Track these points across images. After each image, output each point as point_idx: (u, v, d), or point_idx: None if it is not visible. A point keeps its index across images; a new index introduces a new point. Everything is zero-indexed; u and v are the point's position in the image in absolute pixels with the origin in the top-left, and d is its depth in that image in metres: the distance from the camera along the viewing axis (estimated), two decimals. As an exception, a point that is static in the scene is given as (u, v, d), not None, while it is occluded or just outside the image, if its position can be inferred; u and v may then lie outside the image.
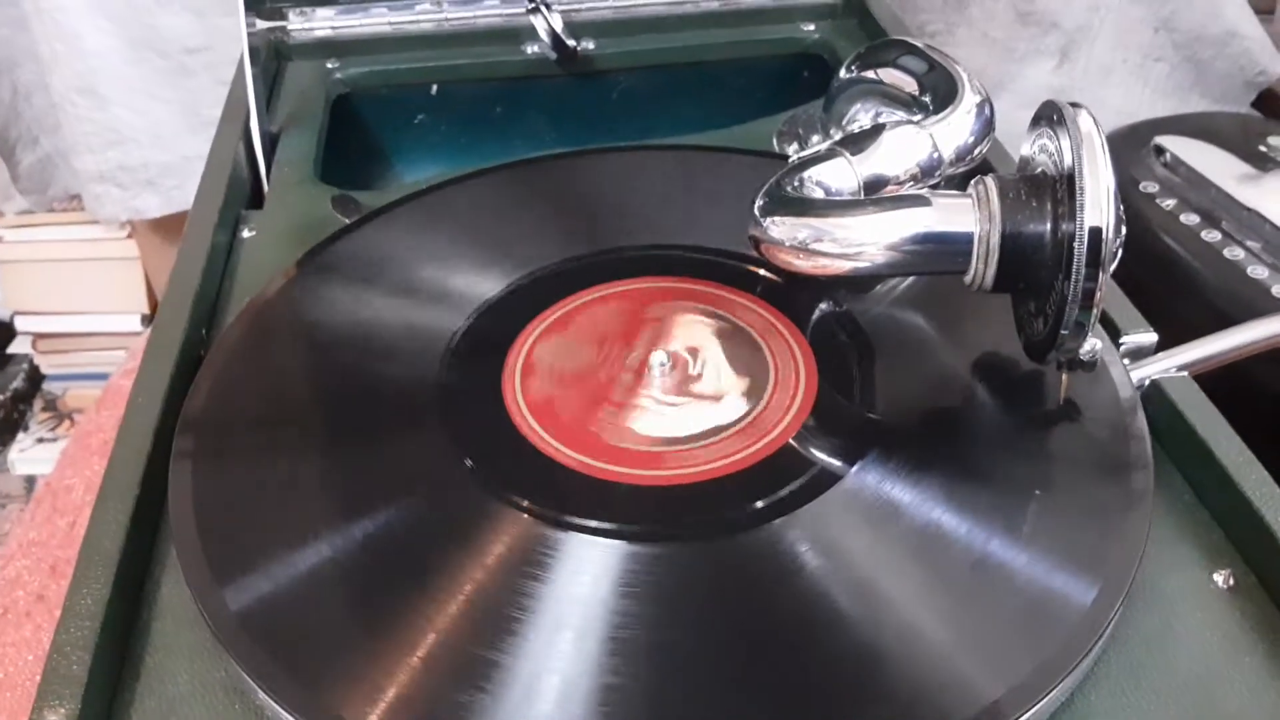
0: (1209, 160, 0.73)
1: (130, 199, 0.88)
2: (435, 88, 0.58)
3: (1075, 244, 0.29)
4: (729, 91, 0.60)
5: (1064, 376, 0.34)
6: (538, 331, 0.38)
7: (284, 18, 0.58)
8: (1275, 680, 0.28)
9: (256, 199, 0.49)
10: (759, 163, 0.46)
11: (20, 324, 1.14)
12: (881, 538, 0.30)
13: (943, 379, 0.36)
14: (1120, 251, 0.31)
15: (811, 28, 0.60)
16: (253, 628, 0.28)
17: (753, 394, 0.35)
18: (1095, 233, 0.29)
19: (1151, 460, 0.32)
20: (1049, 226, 0.31)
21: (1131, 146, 0.76)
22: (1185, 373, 0.36)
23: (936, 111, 0.41)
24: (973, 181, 0.33)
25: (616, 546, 0.30)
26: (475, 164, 0.47)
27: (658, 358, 0.35)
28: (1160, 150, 0.74)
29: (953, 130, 0.40)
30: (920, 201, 0.33)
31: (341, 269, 0.41)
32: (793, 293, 0.39)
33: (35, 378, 1.20)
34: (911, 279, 0.40)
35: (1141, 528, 0.30)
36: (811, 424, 0.34)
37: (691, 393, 0.35)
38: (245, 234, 0.45)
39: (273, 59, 0.57)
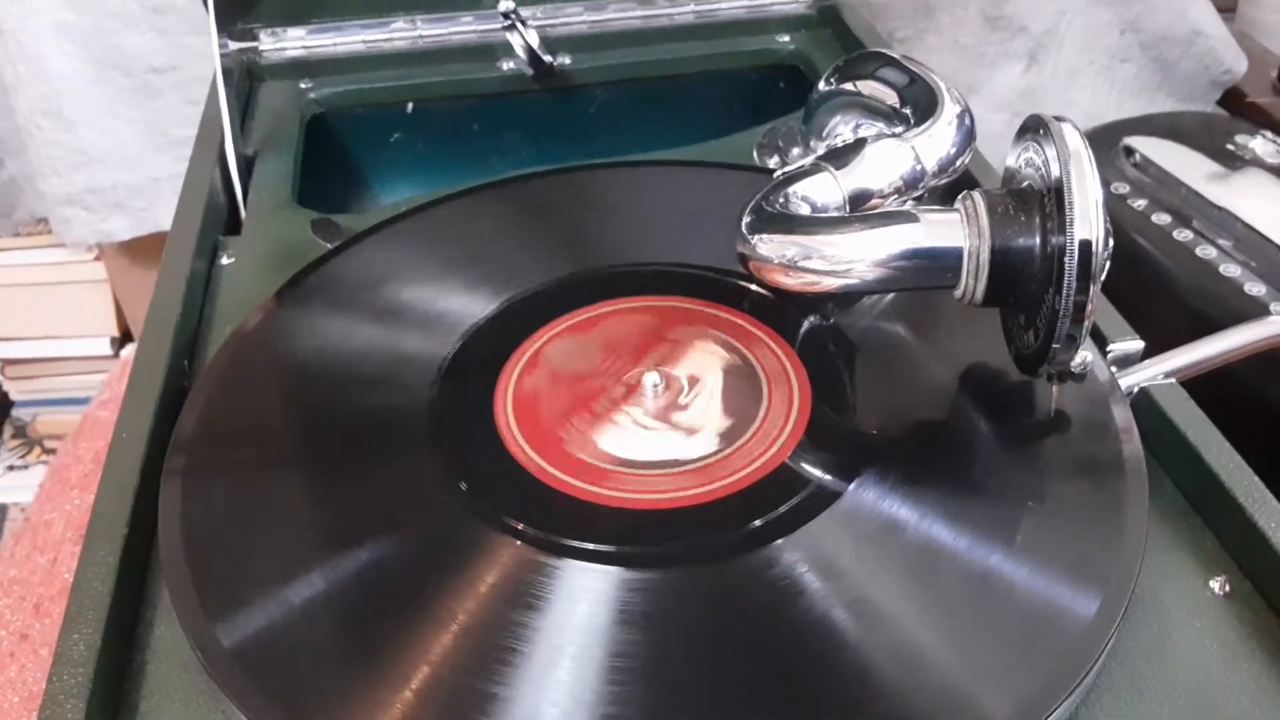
0: (1178, 160, 0.74)
1: (99, 222, 0.87)
2: (411, 106, 0.57)
3: (1066, 258, 0.30)
4: (706, 103, 0.60)
5: (1054, 388, 0.35)
6: (552, 333, 0.38)
7: (255, 38, 0.57)
8: (1275, 686, 0.29)
9: (234, 224, 0.48)
10: (754, 178, 0.46)
11: (-14, 350, 1.13)
12: (880, 556, 0.30)
13: (933, 394, 0.36)
14: (1109, 263, 0.31)
15: (786, 39, 0.60)
16: (248, 666, 0.28)
17: (729, 436, 0.34)
18: (1086, 246, 0.30)
19: (1145, 470, 0.32)
20: (1038, 240, 0.31)
21: (1101, 148, 0.77)
22: (1173, 379, 0.36)
23: (917, 123, 0.41)
24: (960, 197, 0.33)
25: (613, 572, 0.30)
26: (453, 182, 0.47)
27: (652, 379, 0.35)
28: (1130, 151, 0.75)
29: (934, 142, 0.40)
30: (908, 218, 0.33)
31: (325, 296, 0.40)
32: (792, 311, 0.39)
33: (4, 404, 1.18)
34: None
35: (1139, 538, 0.30)
36: (806, 446, 0.34)
37: (670, 420, 0.35)
38: (224, 261, 0.45)
39: (245, 80, 0.57)
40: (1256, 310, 0.61)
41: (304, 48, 0.57)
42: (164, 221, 0.89)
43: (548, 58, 0.56)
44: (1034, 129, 0.33)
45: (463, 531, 0.31)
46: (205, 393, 0.36)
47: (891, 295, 0.40)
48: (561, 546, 0.30)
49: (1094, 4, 0.85)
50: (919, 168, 0.39)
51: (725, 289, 0.40)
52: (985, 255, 0.32)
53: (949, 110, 0.41)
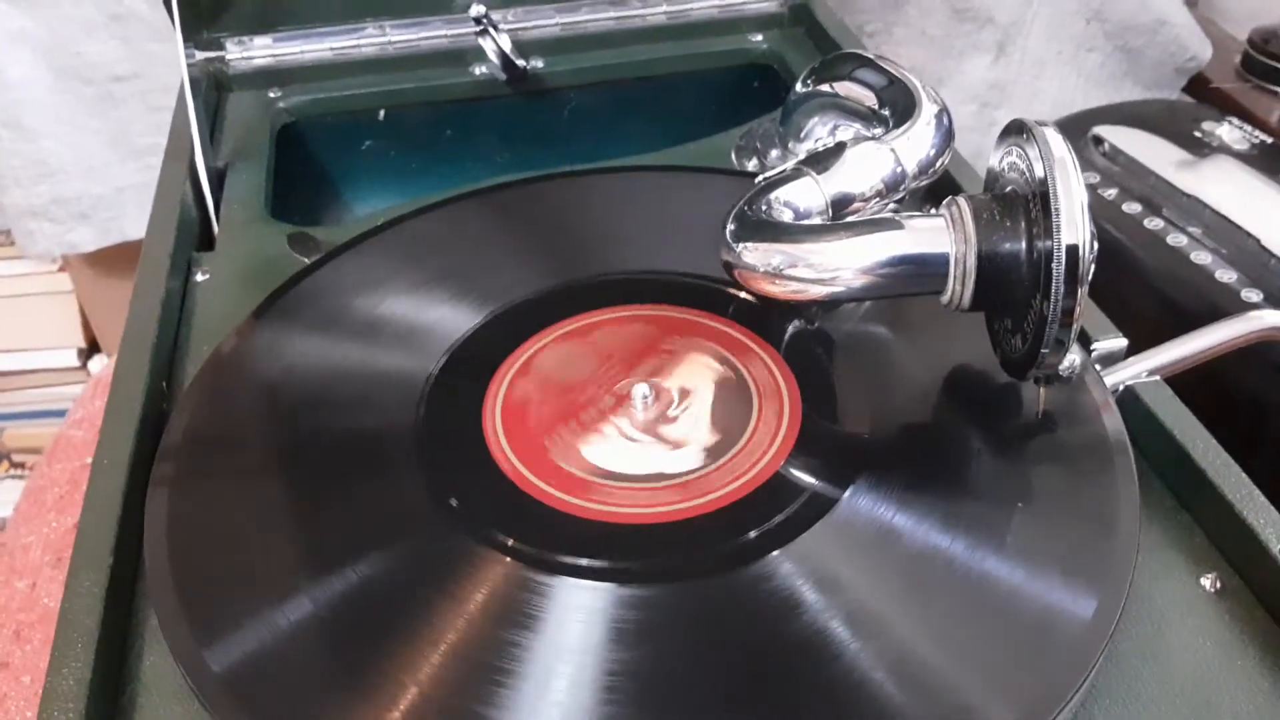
0: (1146, 148, 0.74)
1: (64, 233, 0.85)
2: (382, 113, 0.57)
3: (1054, 265, 0.30)
4: (680, 104, 0.60)
5: (1041, 390, 0.35)
6: (543, 343, 0.38)
7: (222, 47, 0.56)
8: (1269, 683, 0.29)
9: (206, 239, 0.48)
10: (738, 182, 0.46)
11: (-49, 364, 1.11)
12: (877, 564, 0.30)
13: (921, 400, 0.36)
14: (1094, 266, 0.32)
15: (759, 38, 0.60)
16: (238, 692, 0.27)
17: (715, 452, 0.34)
18: (1073, 251, 0.30)
19: (1135, 469, 0.32)
20: (1024, 245, 0.31)
21: (1070, 137, 0.77)
22: (1157, 376, 0.36)
23: (896, 124, 0.41)
24: (945, 203, 0.33)
25: (605, 589, 0.29)
26: (427, 189, 0.47)
27: (641, 390, 0.35)
28: (1099, 140, 0.75)
29: (914, 143, 0.40)
30: (894, 225, 0.33)
31: (306, 313, 0.40)
32: (780, 319, 0.39)
33: (-31, 418, 1.16)
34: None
35: (1132, 537, 0.30)
36: (797, 458, 0.34)
37: (657, 433, 0.35)
38: (199, 278, 0.44)
39: (213, 90, 0.56)
40: (1228, 297, 0.62)
41: (272, 56, 0.57)
42: (130, 231, 0.87)
43: (520, 62, 0.55)
44: (1016, 132, 0.33)
45: (448, 548, 0.31)
46: (187, 416, 0.36)
47: (878, 300, 0.39)
48: (552, 563, 0.30)
49: (1060, -6, 0.85)
50: (899, 170, 0.39)
51: (714, 296, 0.40)
52: (972, 261, 0.32)
53: (927, 110, 0.41)
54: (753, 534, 0.31)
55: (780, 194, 0.37)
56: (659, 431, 0.35)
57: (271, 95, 0.55)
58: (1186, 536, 0.33)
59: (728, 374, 0.37)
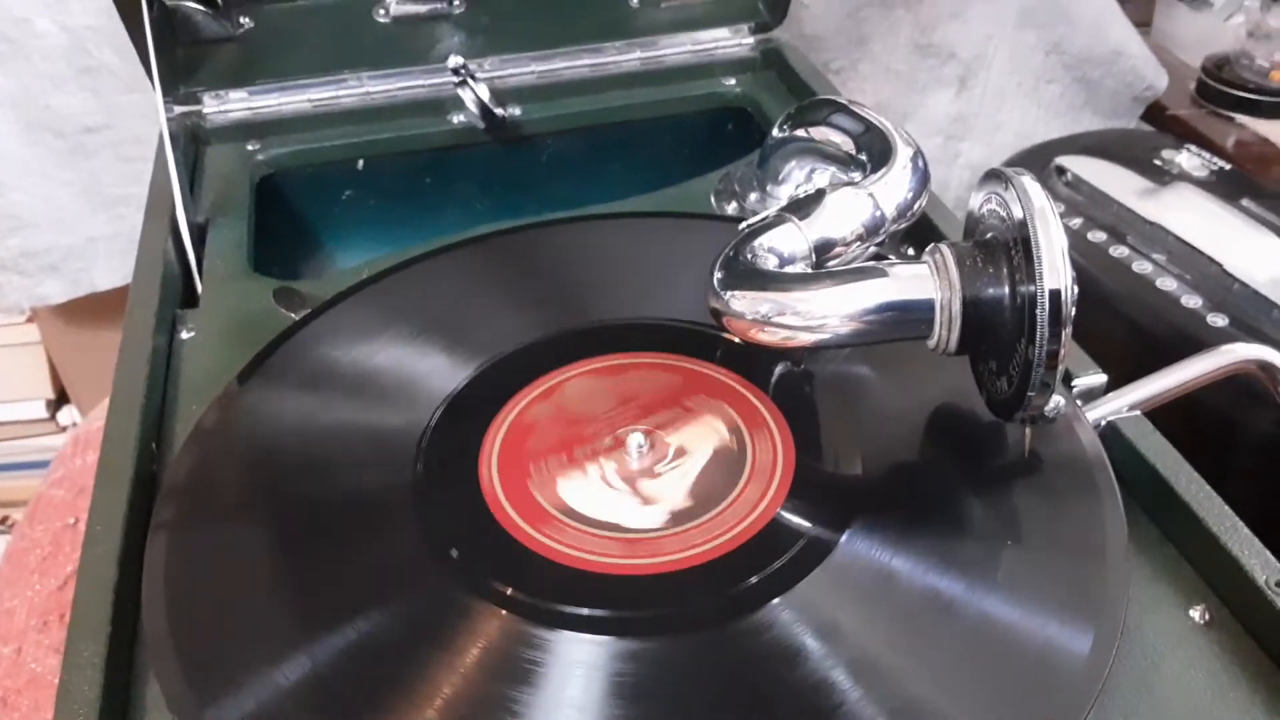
0: (1108, 177, 0.76)
1: (34, 286, 0.85)
2: (361, 163, 0.57)
3: (1038, 310, 0.30)
4: (657, 148, 0.60)
5: (1027, 430, 0.36)
6: (572, 374, 0.39)
7: (199, 101, 0.56)
8: (1260, 712, 0.30)
9: (189, 295, 0.48)
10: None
11: (-82, 417, 1.09)
12: (875, 609, 0.31)
13: (908, 441, 0.37)
14: (1075, 309, 0.32)
15: (733, 82, 0.61)
16: None
17: (679, 518, 0.34)
18: (1055, 295, 0.30)
19: (1122, 505, 0.33)
20: (1007, 291, 0.32)
21: (1033, 168, 0.79)
22: (1137, 411, 0.37)
23: (873, 168, 0.42)
24: (928, 250, 0.34)
25: (606, 641, 0.30)
26: (408, 237, 0.47)
27: (636, 440, 0.35)
28: (1061, 170, 0.77)
29: (891, 187, 0.41)
30: (878, 273, 0.34)
31: (295, 370, 0.40)
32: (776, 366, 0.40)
33: (-63, 472, 1.14)
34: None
35: (1124, 573, 0.31)
36: (791, 506, 0.34)
37: (635, 486, 0.35)
38: (184, 335, 0.44)
39: (190, 144, 0.56)
40: (1194, 322, 0.63)
41: (249, 109, 0.57)
42: (100, 282, 0.87)
43: (499, 110, 0.56)
44: (995, 179, 0.33)
45: (445, 603, 0.31)
46: (180, 480, 0.35)
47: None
48: (550, 615, 0.30)
49: (1019, 28, 0.87)
50: (879, 214, 0.40)
51: (707, 342, 0.40)
52: (957, 307, 0.33)
53: (902, 154, 0.42)
54: (753, 580, 0.31)
55: (764, 240, 0.38)
56: (637, 483, 0.35)
57: (250, 148, 0.56)
58: (1173, 569, 0.34)
59: (730, 445, 0.36)
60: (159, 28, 0.50)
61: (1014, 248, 0.32)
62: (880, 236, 0.40)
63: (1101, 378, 0.39)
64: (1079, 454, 0.35)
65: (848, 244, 0.39)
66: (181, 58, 0.55)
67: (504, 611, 0.31)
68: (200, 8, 0.55)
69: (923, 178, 0.42)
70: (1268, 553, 0.32)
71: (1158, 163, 0.77)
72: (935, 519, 0.33)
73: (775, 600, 0.31)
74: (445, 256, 0.45)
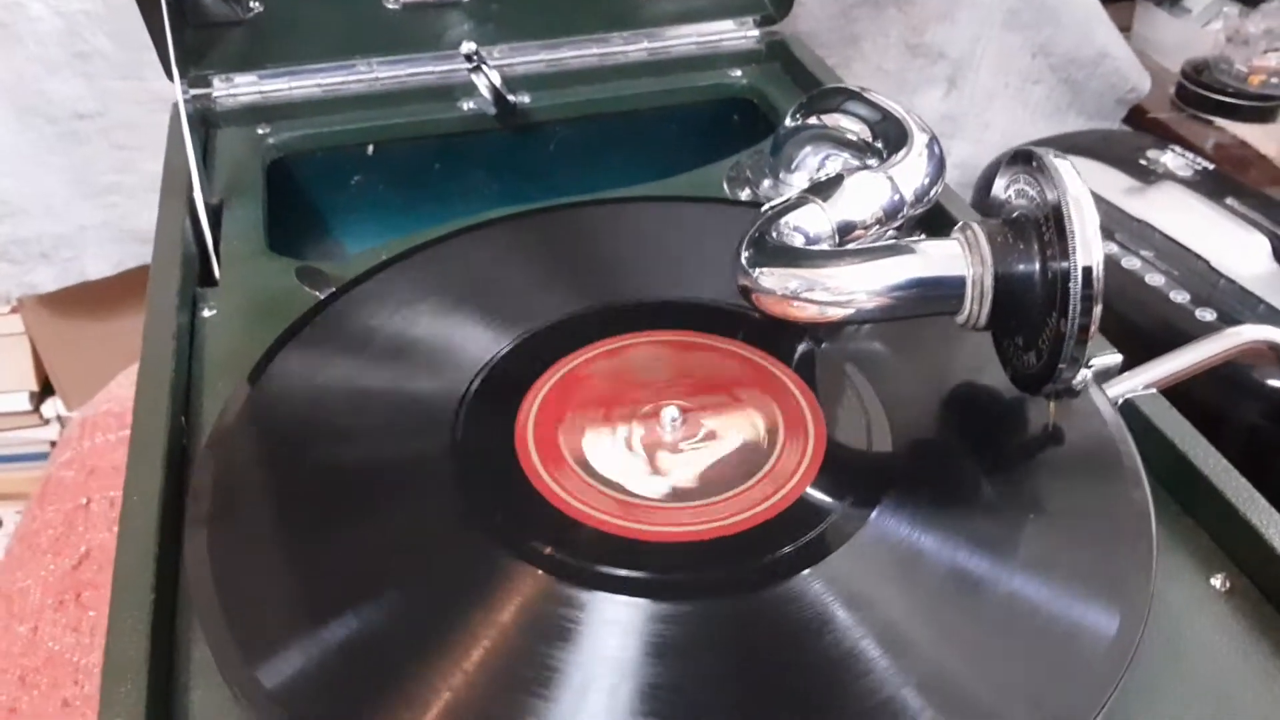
0: (1096, 176, 0.78)
1: (23, 274, 0.84)
2: (371, 148, 0.57)
3: (1071, 284, 0.31)
4: (663, 138, 0.61)
5: (1051, 404, 0.36)
6: (643, 340, 0.40)
7: (209, 85, 0.56)
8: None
9: (205, 275, 0.48)
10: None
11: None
12: (905, 584, 0.31)
13: (932, 418, 0.38)
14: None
15: (739, 73, 0.62)
16: (290, 706, 0.28)
17: (678, 495, 0.34)
18: (1088, 271, 0.31)
19: (1145, 478, 0.34)
20: (1038, 266, 0.33)
21: (1022, 166, 0.80)
22: (1154, 389, 0.38)
23: (889, 154, 0.43)
24: (958, 227, 0.35)
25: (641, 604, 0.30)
26: (417, 222, 0.47)
27: (671, 413, 0.36)
28: (1051, 169, 0.78)
29: (909, 171, 0.42)
30: (907, 250, 0.35)
31: (329, 343, 0.40)
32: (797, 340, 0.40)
33: (-84, 464, 1.12)
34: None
35: (1149, 545, 0.32)
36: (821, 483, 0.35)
37: (653, 455, 0.36)
38: (205, 313, 0.44)
39: (200, 128, 0.56)
40: (1182, 316, 0.65)
41: (259, 93, 0.57)
42: (91, 270, 0.86)
43: (511, 97, 0.56)
44: (1025, 161, 0.34)
45: (483, 564, 0.32)
46: (218, 451, 0.36)
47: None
48: (589, 576, 0.31)
49: (1006, 29, 0.89)
50: (898, 197, 0.41)
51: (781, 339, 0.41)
52: (989, 282, 0.34)
53: (919, 140, 0.43)
54: (787, 549, 0.32)
55: (790, 219, 0.39)
56: (655, 454, 0.36)
57: (260, 131, 0.56)
58: (1192, 539, 0.35)
59: (760, 442, 0.36)
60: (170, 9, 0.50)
61: (1045, 225, 0.33)
62: (899, 220, 0.41)
63: (1117, 358, 0.40)
64: (1101, 431, 0.36)
65: (867, 227, 0.40)
66: (191, 41, 0.55)
67: (535, 569, 0.31)
68: (211, -9, 0.55)
69: (939, 163, 0.43)
70: (1286, 522, 0.33)
71: (1143, 162, 0.79)
72: (962, 496, 0.34)
73: (805, 571, 0.31)
74: (494, 229, 0.46)
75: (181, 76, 0.52)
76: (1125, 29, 1.04)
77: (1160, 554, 0.34)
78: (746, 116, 0.61)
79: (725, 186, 0.52)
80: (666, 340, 0.41)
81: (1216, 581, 0.33)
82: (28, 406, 1.04)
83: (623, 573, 0.31)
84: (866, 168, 0.42)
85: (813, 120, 0.49)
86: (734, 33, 0.63)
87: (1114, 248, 0.71)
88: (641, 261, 0.45)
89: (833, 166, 0.49)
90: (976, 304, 0.34)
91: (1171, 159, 0.79)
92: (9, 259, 0.83)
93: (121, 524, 0.33)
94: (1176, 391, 0.40)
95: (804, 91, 0.58)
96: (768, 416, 0.37)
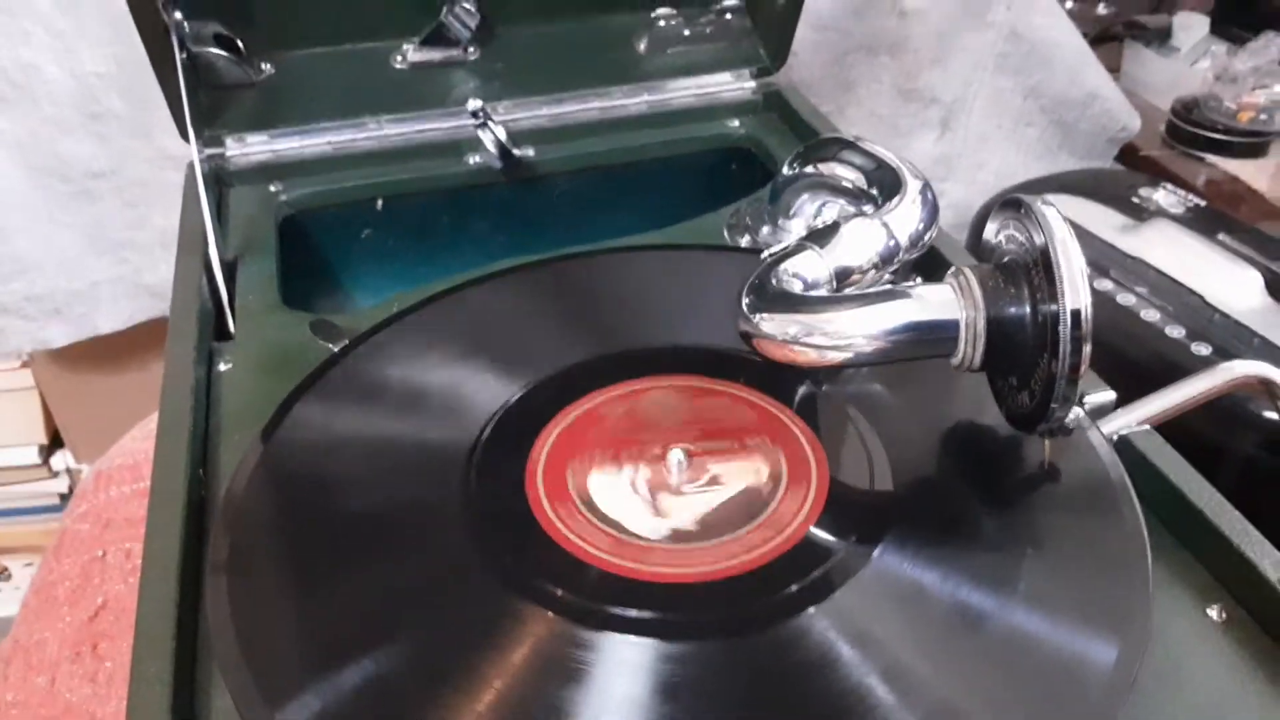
0: (1089, 214, 0.79)
1: (37, 330, 0.85)
2: (380, 203, 0.59)
3: (1060, 327, 0.32)
4: (664, 188, 0.63)
5: (1045, 442, 0.37)
6: (661, 385, 0.41)
7: (221, 144, 0.58)
8: (1278, 706, 0.31)
9: (221, 330, 0.49)
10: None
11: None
12: (909, 619, 0.32)
13: (930, 456, 0.39)
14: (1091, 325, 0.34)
15: (736, 123, 0.63)
16: None
17: (676, 537, 0.35)
18: (1076, 314, 0.33)
19: (1141, 514, 0.35)
20: (1029, 310, 0.34)
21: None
22: (1147, 426, 0.39)
23: (885, 200, 0.44)
24: (950, 272, 0.36)
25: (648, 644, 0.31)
26: (426, 274, 0.49)
27: (677, 456, 0.37)
28: (1044, 209, 0.80)
29: (903, 218, 0.43)
30: (902, 295, 0.36)
31: (342, 395, 0.41)
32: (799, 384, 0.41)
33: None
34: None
35: (1145, 577, 0.33)
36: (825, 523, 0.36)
37: (654, 500, 0.37)
38: (222, 367, 0.45)
39: (214, 186, 0.57)
40: (1178, 351, 0.66)
41: (270, 151, 0.58)
42: (103, 325, 0.87)
43: (517, 151, 0.58)
44: (1014, 208, 0.36)
45: (497, 607, 0.32)
46: (236, 501, 0.37)
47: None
48: (599, 616, 0.32)
49: (997, 73, 0.91)
50: (893, 243, 0.42)
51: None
52: (981, 325, 0.35)
53: (912, 187, 0.45)
54: (793, 588, 0.33)
55: (788, 266, 0.40)
56: (658, 495, 0.37)
57: (272, 189, 0.57)
58: (1189, 572, 0.36)
59: (761, 490, 0.37)
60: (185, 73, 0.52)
61: (1034, 269, 0.34)
62: (894, 265, 0.42)
63: (1111, 395, 0.41)
64: (1097, 467, 0.36)
65: (864, 271, 0.41)
66: (205, 102, 0.57)
67: (544, 611, 0.32)
68: (223, 54, 0.57)
69: (932, 209, 0.44)
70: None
71: (1135, 200, 0.80)
72: (963, 533, 0.35)
73: (810, 610, 0.32)
74: (505, 280, 0.48)
75: (196, 137, 0.54)
76: (1114, 70, 1.06)
77: (1157, 586, 0.35)
78: (745, 165, 0.63)
79: (725, 233, 0.53)
80: (683, 386, 0.42)
81: (1213, 613, 0.34)
82: (37, 460, 1.05)
83: (632, 613, 0.32)
84: (862, 214, 0.43)
85: (809, 169, 0.50)
86: (731, 84, 0.65)
87: (1109, 284, 0.72)
88: (649, 308, 0.46)
89: (829, 213, 0.50)
90: (970, 346, 0.35)
91: (1163, 196, 0.80)
92: (23, 315, 0.84)
93: (143, 573, 0.34)
94: (1173, 421, 0.40)
95: (800, 140, 0.60)
96: (772, 464, 0.38)
